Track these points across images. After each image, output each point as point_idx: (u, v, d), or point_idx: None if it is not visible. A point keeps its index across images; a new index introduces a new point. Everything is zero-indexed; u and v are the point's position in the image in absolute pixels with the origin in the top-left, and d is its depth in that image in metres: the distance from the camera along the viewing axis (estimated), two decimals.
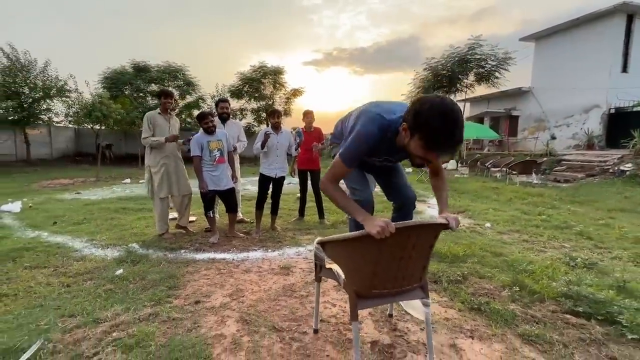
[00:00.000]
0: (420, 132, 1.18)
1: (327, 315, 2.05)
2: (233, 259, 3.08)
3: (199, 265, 2.90)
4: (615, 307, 1.91)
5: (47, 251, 3.18)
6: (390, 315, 2.00)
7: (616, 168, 9.16)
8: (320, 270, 1.73)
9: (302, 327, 1.91)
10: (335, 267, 1.55)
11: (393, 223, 1.18)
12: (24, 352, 1.61)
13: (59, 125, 15.89)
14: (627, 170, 8.71)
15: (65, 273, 2.68)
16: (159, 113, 3.69)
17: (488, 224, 4.35)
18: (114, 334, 1.78)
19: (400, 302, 1.97)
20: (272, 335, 1.82)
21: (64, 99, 14.53)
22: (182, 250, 3.29)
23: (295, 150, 4.12)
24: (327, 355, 1.65)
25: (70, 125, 16.52)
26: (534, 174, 9.42)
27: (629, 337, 1.73)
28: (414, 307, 1.95)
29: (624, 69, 12.50)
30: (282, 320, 1.99)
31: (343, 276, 1.45)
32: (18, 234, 3.80)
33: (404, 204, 1.89)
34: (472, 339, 1.80)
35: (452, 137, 1.14)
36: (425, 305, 1.45)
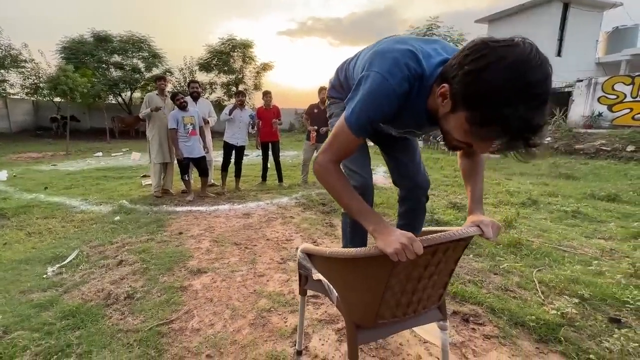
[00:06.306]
0: (474, 110, 0.70)
1: (272, 236, 3.06)
2: (206, 210, 3.99)
3: (179, 214, 3.79)
4: (446, 218, 3.09)
5: (50, 207, 3.92)
6: None
7: None
8: (305, 282, 1.32)
9: (253, 243, 2.91)
10: (326, 280, 1.19)
11: (419, 240, 0.80)
12: (68, 257, 2.49)
13: (15, 97, 15.26)
14: (546, 143, 10.37)
15: (72, 220, 3.48)
16: (157, 94, 4.52)
17: None
18: (126, 247, 2.69)
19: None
20: (232, 247, 2.81)
21: (19, 69, 13.98)
22: (164, 205, 4.14)
23: (252, 127, 5.11)
24: (271, 259, 2.64)
25: (26, 98, 15.88)
26: None
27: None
28: (426, 329, 1.43)
29: (559, 53, 14.09)
30: (241, 240, 2.98)
31: (337, 294, 1.09)
32: (16, 196, 4.44)
33: (411, 192, 1.43)
34: None
35: (528, 125, 0.66)
36: (443, 329, 1.19)
